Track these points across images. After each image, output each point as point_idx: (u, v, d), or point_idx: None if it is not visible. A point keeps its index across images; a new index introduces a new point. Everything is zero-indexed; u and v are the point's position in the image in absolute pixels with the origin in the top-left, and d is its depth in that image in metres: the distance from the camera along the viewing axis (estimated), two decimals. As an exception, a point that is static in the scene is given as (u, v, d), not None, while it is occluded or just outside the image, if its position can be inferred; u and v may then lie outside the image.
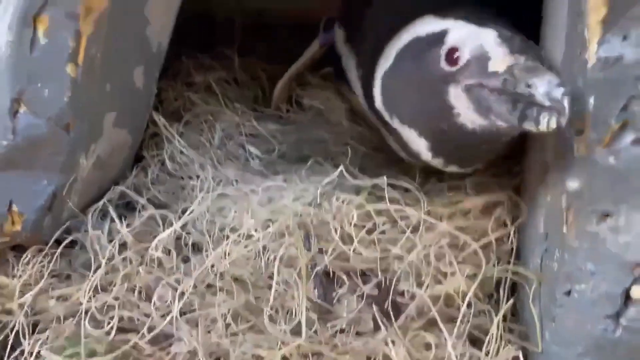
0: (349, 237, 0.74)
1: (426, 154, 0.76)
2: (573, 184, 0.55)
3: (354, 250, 0.71)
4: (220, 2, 1.32)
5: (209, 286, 0.74)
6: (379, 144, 1.07)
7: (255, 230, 0.77)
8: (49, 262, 0.76)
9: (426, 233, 0.73)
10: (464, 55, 0.64)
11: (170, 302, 0.69)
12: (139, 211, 0.85)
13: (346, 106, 1.19)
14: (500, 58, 0.61)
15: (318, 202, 0.78)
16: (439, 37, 0.67)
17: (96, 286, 0.71)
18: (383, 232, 0.75)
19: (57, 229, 0.81)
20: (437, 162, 0.77)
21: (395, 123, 0.77)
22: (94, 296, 0.71)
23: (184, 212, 0.86)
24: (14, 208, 0.74)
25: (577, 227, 0.56)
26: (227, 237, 0.78)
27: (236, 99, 1.19)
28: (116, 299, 0.71)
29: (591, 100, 0.52)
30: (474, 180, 0.82)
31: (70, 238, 0.77)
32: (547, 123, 0.55)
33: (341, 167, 0.80)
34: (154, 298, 0.69)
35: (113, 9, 0.68)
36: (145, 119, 0.95)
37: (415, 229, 0.76)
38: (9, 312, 0.69)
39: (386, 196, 0.77)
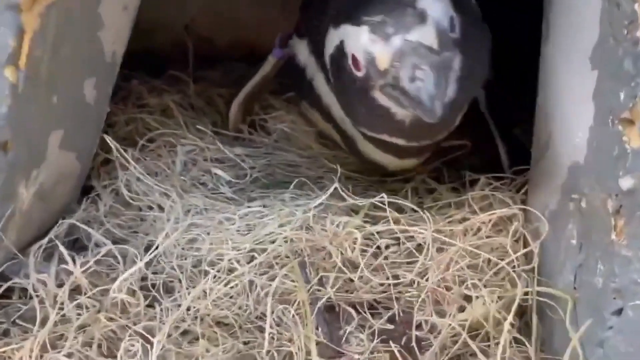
0: (351, 263, 0.64)
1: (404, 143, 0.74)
2: (626, 183, 0.48)
3: (359, 279, 0.61)
4: (166, 33, 1.24)
5: (185, 333, 0.61)
6: (356, 166, 1.00)
7: (239, 263, 0.65)
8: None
9: (438, 254, 0.64)
10: (361, 61, 0.65)
11: (141, 356, 0.55)
12: (91, 250, 0.72)
13: (314, 130, 1.11)
14: (379, 54, 0.62)
15: (310, 226, 0.68)
16: (341, 50, 0.68)
17: (43, 342, 0.57)
18: (386, 257, 0.66)
19: (-12, 273, 0.66)
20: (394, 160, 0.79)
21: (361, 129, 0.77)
22: (41, 357, 0.56)
23: (147, 247, 0.74)
24: None
25: (630, 233, 0.49)
26: (204, 273, 0.66)
27: (194, 124, 1.10)
28: (69, 356, 0.56)
29: (645, 85, 0.46)
30: (477, 196, 0.75)
31: (6, 285, 0.62)
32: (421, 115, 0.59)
33: (335, 184, 0.71)
34: (120, 352, 0.55)
35: (63, 1, 0.57)
36: (95, 143, 0.82)
37: (420, 251, 0.67)
38: None
39: (389, 215, 0.68)
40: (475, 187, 0.78)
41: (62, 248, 0.65)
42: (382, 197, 0.71)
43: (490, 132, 0.92)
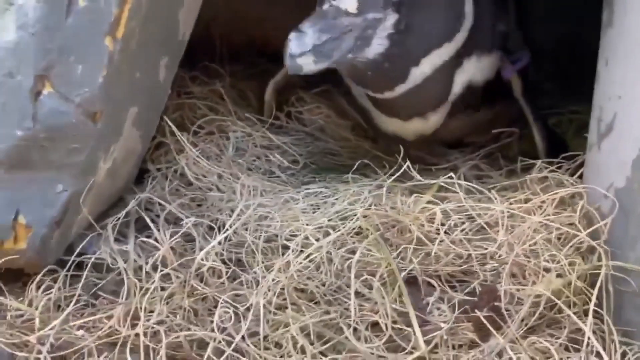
0: (427, 239, 0.65)
1: None
2: None
3: (438, 252, 0.63)
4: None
5: (269, 304, 0.62)
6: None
7: (315, 238, 0.66)
8: (64, 286, 0.61)
9: (511, 229, 0.66)
10: None
11: (233, 323, 0.56)
12: (162, 226, 0.72)
13: (349, 123, 1.13)
14: None
15: (381, 204, 0.70)
16: None
17: (135, 310, 0.57)
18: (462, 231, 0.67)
19: (63, 247, 0.66)
20: None
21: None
22: (132, 325, 0.56)
23: (212, 229, 0.74)
24: (21, 219, 0.59)
25: None
26: (280, 248, 0.67)
27: (235, 111, 1.11)
28: (159, 323, 0.57)
29: None
30: (534, 178, 0.77)
31: (92, 258, 0.63)
32: None
33: (407, 163, 0.72)
34: (215, 319, 0.56)
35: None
36: (156, 124, 0.82)
37: (490, 228, 0.69)
38: (29, 347, 0.53)
39: (459, 192, 0.70)
40: (532, 172, 0.81)
41: (148, 221, 0.66)
42: (450, 176, 0.73)
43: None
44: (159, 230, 0.67)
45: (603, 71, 0.73)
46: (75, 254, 0.65)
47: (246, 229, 0.71)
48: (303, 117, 1.14)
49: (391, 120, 0.89)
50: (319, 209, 0.76)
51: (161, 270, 0.61)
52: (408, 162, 0.75)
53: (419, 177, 0.73)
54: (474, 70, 0.89)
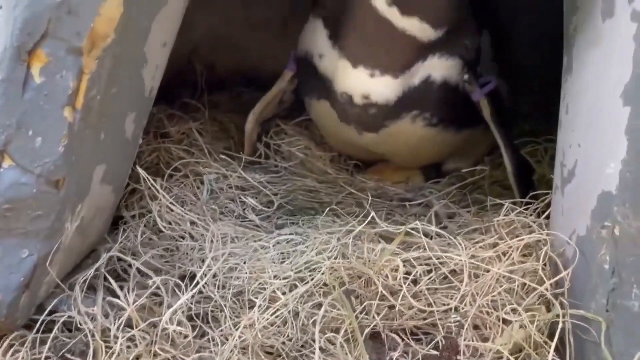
0: (391, 290, 0.66)
1: None
2: (664, 214, 0.51)
3: (401, 306, 0.63)
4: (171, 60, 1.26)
5: (235, 363, 0.63)
6: (374, 191, 1.03)
7: (281, 292, 0.67)
8: (33, 347, 0.61)
9: (473, 280, 0.67)
10: None
11: (197, 386, 0.57)
12: (132, 280, 0.73)
13: (328, 154, 1.14)
14: None
15: (348, 254, 0.70)
16: None
17: (99, 377, 0.58)
18: (428, 281, 0.68)
19: (32, 308, 0.67)
20: None
21: None
22: (97, 390, 0.57)
23: (183, 277, 0.75)
24: (-15, 288, 0.60)
25: (667, 261, 0.52)
26: (247, 303, 0.68)
27: (212, 148, 1.12)
28: (125, 390, 0.58)
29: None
30: (502, 222, 0.78)
31: (63, 317, 0.63)
32: None
33: (372, 213, 0.73)
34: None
35: (116, 43, 0.59)
36: (127, 174, 0.83)
37: (455, 276, 0.70)
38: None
39: (423, 241, 0.71)
40: (500, 212, 0.81)
41: (112, 282, 0.67)
42: (415, 224, 0.74)
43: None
44: (128, 288, 0.68)
45: (564, 118, 0.74)
46: (45, 314, 0.66)
47: (215, 283, 0.72)
48: (282, 150, 1.16)
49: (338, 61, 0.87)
50: (289, 257, 0.77)
51: (127, 331, 0.62)
52: (373, 214, 0.75)
53: (385, 225, 0.74)
54: (436, 67, 0.89)
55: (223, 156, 1.00)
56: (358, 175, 1.09)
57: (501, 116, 0.95)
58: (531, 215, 0.82)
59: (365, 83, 0.87)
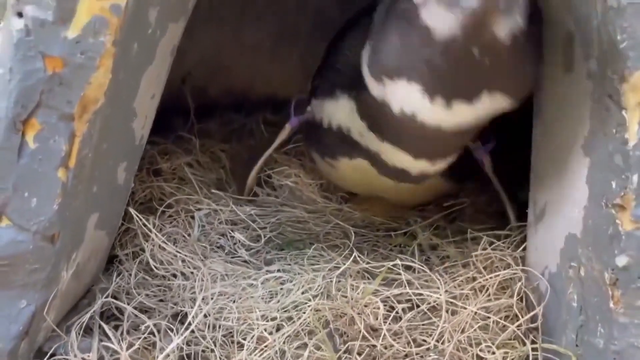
0: (373, 329, 0.69)
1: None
2: (621, 260, 0.55)
3: (382, 346, 0.67)
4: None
5: (224, 404, 0.66)
6: (361, 219, 1.06)
7: (268, 332, 0.71)
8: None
9: (452, 316, 0.70)
10: None
11: None
12: (126, 321, 0.76)
13: (316, 182, 1.17)
14: None
15: (332, 293, 0.74)
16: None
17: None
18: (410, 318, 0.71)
19: (31, 353, 0.70)
20: None
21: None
22: None
23: (175, 315, 0.78)
24: (-15, 339, 0.63)
25: (626, 303, 0.56)
26: (236, 343, 0.71)
27: (204, 182, 1.15)
28: None
29: (634, 178, 0.53)
30: (480, 256, 0.82)
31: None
32: None
33: (355, 253, 0.77)
34: None
35: (106, 105, 0.62)
36: (120, 217, 0.87)
37: (434, 311, 0.73)
38: None
39: (403, 278, 0.74)
40: (478, 246, 0.85)
41: (107, 329, 0.70)
42: (396, 262, 0.77)
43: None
44: (122, 330, 0.71)
45: (534, 157, 0.77)
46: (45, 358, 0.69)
47: (206, 322, 0.75)
48: (272, 181, 1.20)
49: (393, 151, 0.83)
50: (276, 295, 0.81)
51: (121, 377, 0.65)
52: (356, 253, 0.78)
53: (367, 261, 0.77)
54: None
55: (214, 191, 1.04)
56: (346, 205, 1.13)
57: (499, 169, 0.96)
58: (509, 247, 0.87)
59: (426, 167, 0.83)
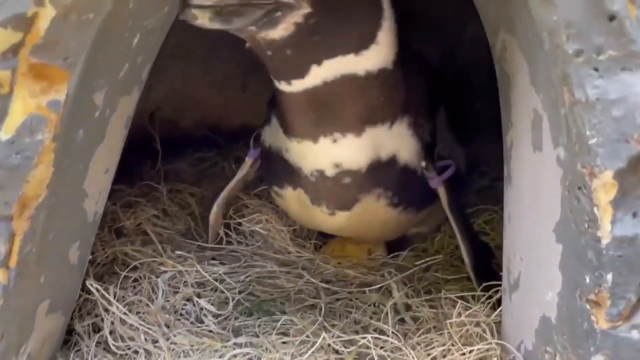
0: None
1: None
2: (598, 359, 0.52)
3: None
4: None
5: None
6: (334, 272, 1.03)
7: (234, 423, 0.67)
8: None
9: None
10: None
11: None
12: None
13: (288, 229, 1.14)
14: None
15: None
16: None
17: None
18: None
19: None
20: None
21: None
22: None
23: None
24: None
25: (604, 400, 0.53)
26: None
27: (170, 237, 1.11)
28: None
29: (609, 277, 0.51)
30: (454, 323, 0.79)
31: None
32: None
33: (323, 336, 0.73)
34: None
35: (49, 197, 0.58)
36: (77, 291, 0.82)
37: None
38: None
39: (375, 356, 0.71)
40: (453, 308, 0.82)
41: None
42: (366, 338, 0.74)
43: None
44: None
45: (507, 225, 0.75)
46: None
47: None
48: (243, 229, 1.15)
49: (300, 146, 0.86)
50: (243, 377, 0.77)
51: None
52: (325, 336, 0.75)
53: (337, 335, 0.74)
54: (402, 146, 0.88)
55: (179, 252, 0.99)
56: (319, 255, 1.09)
57: (458, 203, 0.95)
58: (485, 309, 0.84)
59: (332, 152, 0.85)
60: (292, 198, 0.95)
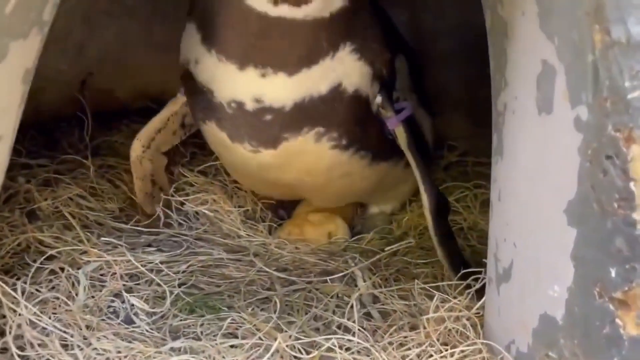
0: None
1: None
2: (626, 371, 0.42)
3: None
4: (58, 89, 1.09)
5: None
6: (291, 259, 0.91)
7: None
8: None
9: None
10: None
11: None
12: None
13: (239, 210, 1.00)
14: None
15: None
16: None
17: None
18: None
19: None
20: None
21: None
22: None
23: None
24: None
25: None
26: None
27: (98, 220, 0.95)
28: None
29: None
30: (432, 318, 0.68)
31: None
32: None
33: (277, 339, 0.61)
34: None
35: None
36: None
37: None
38: None
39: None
40: (427, 298, 0.72)
41: None
42: (331, 341, 0.62)
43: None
44: None
45: (496, 204, 0.63)
46: None
47: None
48: (186, 209, 1.01)
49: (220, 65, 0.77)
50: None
51: None
52: (280, 339, 0.62)
53: (295, 337, 0.62)
54: (347, 71, 0.79)
55: (107, 238, 0.84)
56: (274, 238, 0.97)
57: (419, 146, 0.87)
58: (463, 301, 0.74)
59: (256, 85, 0.76)
60: (211, 133, 0.84)
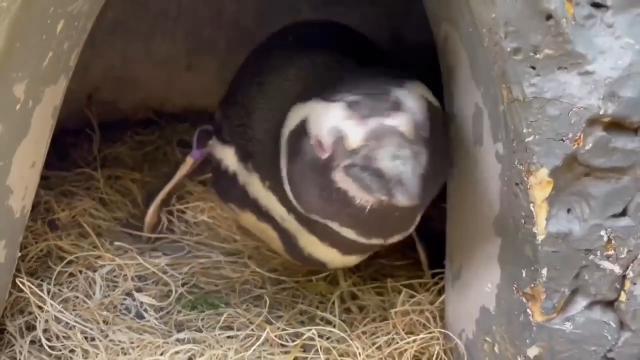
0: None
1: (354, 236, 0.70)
2: (533, 352, 0.53)
3: None
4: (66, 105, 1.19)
5: None
6: (280, 262, 1.02)
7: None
8: None
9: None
10: (327, 141, 0.62)
11: None
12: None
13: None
14: (352, 134, 0.60)
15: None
16: (303, 128, 0.65)
17: None
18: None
19: None
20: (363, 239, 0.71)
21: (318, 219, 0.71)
22: None
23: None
24: None
25: (538, 390, 0.55)
26: None
27: (109, 228, 1.06)
28: None
29: (544, 272, 0.51)
30: (399, 311, 0.80)
31: None
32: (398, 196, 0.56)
33: (267, 330, 0.72)
34: None
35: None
36: (7, 289, 0.77)
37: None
38: None
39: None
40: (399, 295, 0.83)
41: None
42: (311, 331, 0.73)
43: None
44: None
45: (450, 215, 0.75)
46: None
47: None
48: (186, 217, 1.12)
49: (329, 250, 0.78)
50: (185, 373, 0.75)
51: None
52: (269, 330, 0.74)
53: (282, 328, 0.72)
54: None
55: (118, 243, 0.95)
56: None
57: None
58: (430, 296, 0.85)
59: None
60: (254, 222, 0.87)
